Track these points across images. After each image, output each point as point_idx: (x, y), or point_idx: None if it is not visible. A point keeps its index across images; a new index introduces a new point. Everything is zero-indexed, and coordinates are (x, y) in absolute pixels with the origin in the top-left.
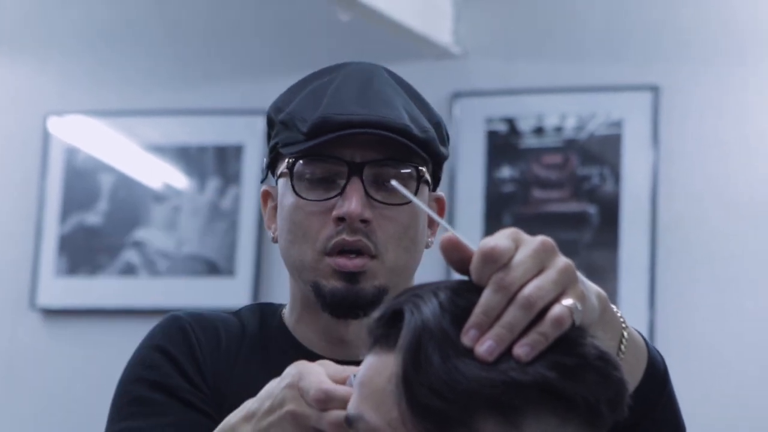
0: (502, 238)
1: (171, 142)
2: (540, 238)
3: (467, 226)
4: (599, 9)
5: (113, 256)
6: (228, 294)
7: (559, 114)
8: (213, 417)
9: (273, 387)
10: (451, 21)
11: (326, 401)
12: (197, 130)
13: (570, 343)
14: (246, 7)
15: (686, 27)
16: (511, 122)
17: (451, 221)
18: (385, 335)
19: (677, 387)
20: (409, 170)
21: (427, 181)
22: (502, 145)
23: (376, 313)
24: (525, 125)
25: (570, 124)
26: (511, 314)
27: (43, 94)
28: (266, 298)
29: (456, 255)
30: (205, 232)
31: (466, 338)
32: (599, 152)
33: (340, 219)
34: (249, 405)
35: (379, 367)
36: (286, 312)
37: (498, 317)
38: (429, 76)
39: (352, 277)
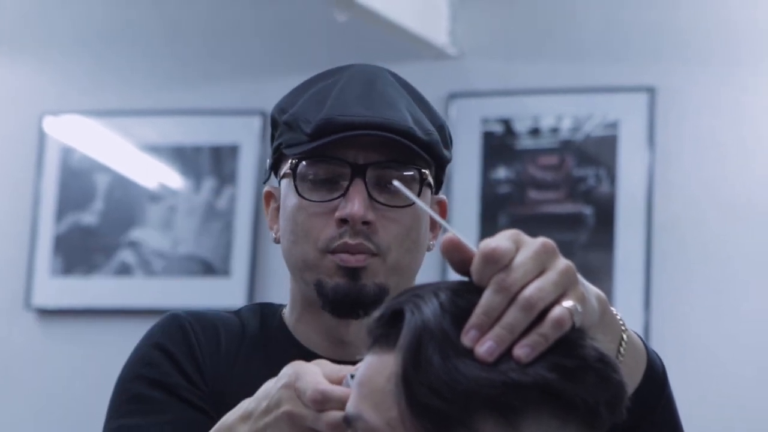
0: (503, 240)
1: (166, 142)
2: (541, 240)
3: (463, 227)
4: (596, 10)
5: (109, 256)
6: (223, 294)
7: (555, 115)
8: (211, 416)
9: (270, 387)
10: (447, 22)
11: (323, 402)
12: (193, 130)
13: (570, 344)
14: (242, 8)
15: (683, 28)
16: (507, 123)
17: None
18: (385, 335)
19: (673, 388)
20: (411, 172)
21: (429, 184)
22: (498, 146)
23: (376, 313)
24: (521, 126)
25: (566, 125)
26: (512, 315)
27: (38, 93)
28: (261, 298)
29: (457, 255)
30: (200, 232)
31: (467, 339)
32: (595, 153)
33: (343, 220)
34: (246, 405)
35: (378, 366)
36: (286, 312)
37: (498, 318)
38: (425, 77)
39: (353, 273)
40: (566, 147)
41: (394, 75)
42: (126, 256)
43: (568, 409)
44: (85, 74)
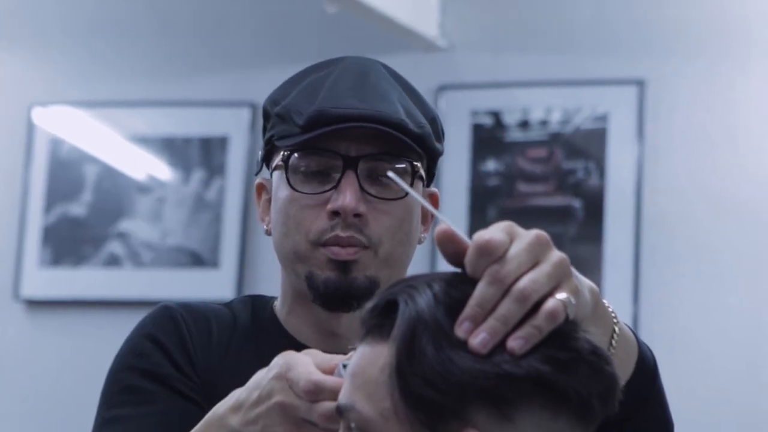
0: (497, 231)
1: (156, 133)
2: (534, 232)
3: (452, 219)
4: (585, 3)
5: (97, 248)
6: (212, 285)
7: (545, 107)
8: (203, 407)
9: (261, 377)
10: (437, 14)
11: (316, 392)
12: (182, 121)
13: (563, 337)
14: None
15: (672, 21)
16: (496, 115)
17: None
18: (378, 325)
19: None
20: (403, 165)
21: (421, 177)
22: (488, 138)
23: (369, 303)
24: (510, 119)
25: (555, 117)
26: (506, 307)
27: (27, 84)
28: (251, 289)
29: (451, 247)
30: (189, 223)
31: (460, 330)
32: (584, 146)
33: (335, 213)
34: (237, 395)
35: (372, 357)
36: (277, 304)
37: (492, 310)
38: (415, 69)
39: (344, 266)
40: (555, 140)
41: (387, 68)
42: (115, 247)
43: (560, 401)
44: (75, 65)
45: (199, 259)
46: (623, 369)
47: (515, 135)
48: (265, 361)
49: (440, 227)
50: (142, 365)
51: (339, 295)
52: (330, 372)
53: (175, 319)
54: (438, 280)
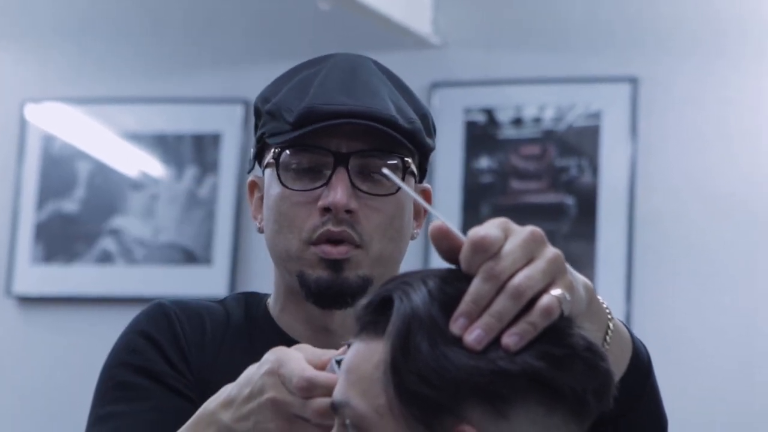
0: (492, 228)
1: (148, 130)
2: (529, 228)
3: (445, 216)
4: (579, 0)
5: (90, 244)
6: (205, 282)
7: (538, 105)
8: (196, 403)
9: (252, 373)
10: (430, 11)
11: (310, 389)
12: (175, 118)
13: (558, 333)
14: None
15: (666, 19)
16: (489, 113)
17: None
18: (373, 322)
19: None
20: (395, 161)
21: (413, 173)
22: (481, 135)
23: (364, 300)
24: (503, 116)
25: (548, 115)
26: (500, 303)
27: (20, 81)
28: (243, 286)
29: (445, 243)
30: (182, 220)
31: (455, 326)
32: (577, 143)
33: (326, 209)
34: (228, 391)
35: (366, 353)
36: (270, 301)
37: (487, 306)
38: (408, 66)
39: (336, 265)
40: (548, 137)
41: (377, 64)
42: (107, 244)
43: (555, 398)
44: (67, 62)
45: (192, 256)
46: (617, 365)
47: (508, 132)
48: (258, 358)
49: (435, 224)
50: (136, 362)
51: (331, 293)
52: (321, 367)
53: (168, 316)
54: (433, 276)
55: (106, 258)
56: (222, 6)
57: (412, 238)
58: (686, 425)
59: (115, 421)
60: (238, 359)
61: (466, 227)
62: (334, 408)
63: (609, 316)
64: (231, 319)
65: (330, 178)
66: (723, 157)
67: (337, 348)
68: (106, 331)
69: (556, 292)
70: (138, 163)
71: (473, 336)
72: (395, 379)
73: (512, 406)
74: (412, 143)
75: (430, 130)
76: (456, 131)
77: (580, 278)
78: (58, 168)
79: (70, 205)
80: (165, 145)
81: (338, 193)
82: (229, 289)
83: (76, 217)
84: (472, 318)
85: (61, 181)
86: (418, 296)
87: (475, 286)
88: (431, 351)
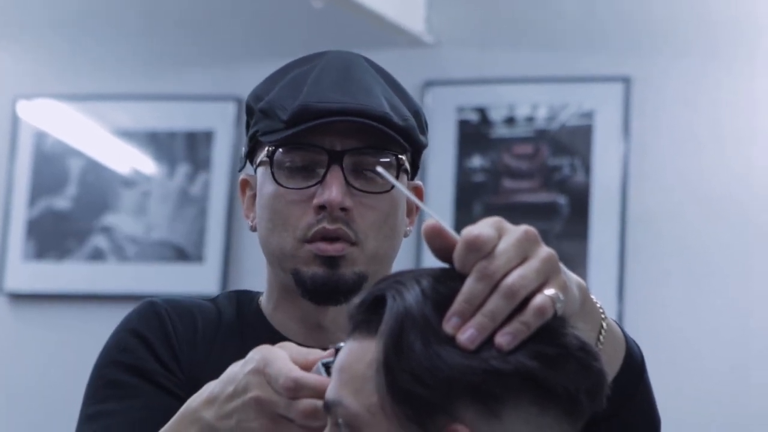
0: (486, 227)
1: (141, 127)
2: (523, 228)
3: (438, 215)
4: (572, 0)
5: (82, 241)
6: (196, 280)
7: (531, 104)
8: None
9: (236, 372)
10: (424, 9)
11: (297, 390)
12: (167, 115)
13: (552, 332)
14: None
15: (659, 19)
16: (482, 112)
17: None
18: (366, 321)
19: None
20: (388, 159)
21: (406, 170)
22: (473, 134)
23: (357, 299)
24: (496, 115)
25: (541, 114)
26: (494, 303)
27: (12, 77)
28: (235, 284)
29: (439, 242)
30: (174, 218)
31: (448, 326)
32: (570, 143)
33: (321, 207)
34: (211, 388)
35: (359, 352)
36: (263, 300)
37: (480, 306)
38: (401, 65)
39: (332, 262)
40: (541, 136)
41: (370, 61)
42: (99, 241)
43: (548, 397)
44: (59, 58)
45: (184, 254)
46: (611, 365)
47: (501, 131)
48: None
49: (429, 222)
50: (127, 360)
51: (327, 290)
52: (306, 367)
53: (159, 314)
54: (426, 275)
55: (97, 255)
56: (215, 4)
57: (405, 235)
58: (679, 425)
59: (106, 420)
60: (230, 357)
61: (458, 226)
62: (327, 407)
63: (602, 316)
64: (223, 318)
65: (324, 176)
66: (715, 157)
67: (329, 344)
68: (98, 329)
69: (549, 291)
70: (130, 160)
71: (466, 335)
72: (388, 378)
73: (505, 406)
74: (406, 140)
75: (423, 127)
76: (449, 130)
77: (574, 278)
78: (50, 165)
79: (62, 202)
80: (157, 142)
81: (333, 191)
82: (221, 287)
83: (67, 214)
84: (466, 317)
85: (53, 178)
86: (411, 295)
87: (469, 286)
88: (424, 350)
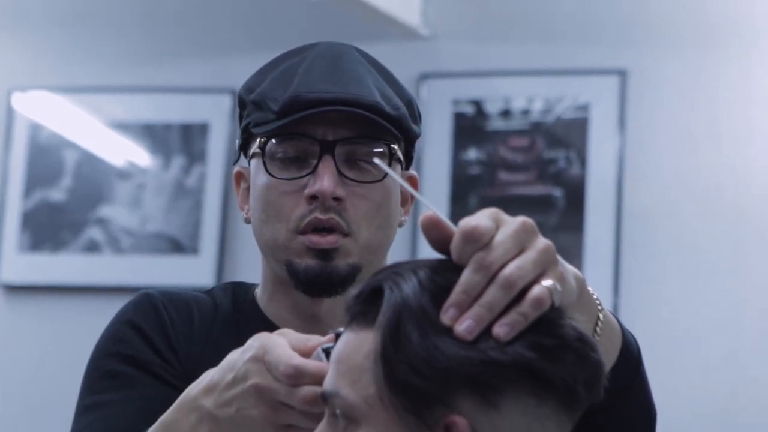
0: (483, 218)
1: (136, 119)
2: (521, 219)
3: (432, 204)
4: None
5: (77, 233)
6: (192, 272)
7: (526, 97)
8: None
9: (235, 359)
10: (419, 2)
11: (297, 377)
12: (163, 107)
13: (549, 323)
14: None
15: (656, 11)
16: (478, 104)
17: (417, 202)
18: (363, 312)
19: None
20: (381, 148)
21: (399, 160)
22: (469, 127)
23: (354, 290)
24: (492, 108)
25: (537, 107)
26: (491, 294)
27: (7, 69)
28: (230, 276)
29: (436, 233)
30: (169, 209)
31: (446, 317)
32: (566, 136)
33: (313, 197)
34: (210, 376)
35: (356, 343)
36: (258, 291)
37: (478, 296)
38: (397, 57)
39: (325, 254)
40: (537, 129)
41: (361, 51)
42: (94, 233)
43: (546, 388)
44: (54, 50)
45: (179, 246)
46: (607, 356)
47: (497, 124)
48: None
49: (426, 214)
50: (123, 351)
51: (320, 282)
52: (306, 354)
53: (156, 306)
54: (423, 266)
55: (92, 247)
56: None
57: (400, 225)
58: (675, 418)
59: (102, 410)
60: (226, 349)
61: (454, 219)
62: (324, 398)
63: (599, 307)
64: (219, 309)
65: (316, 166)
66: (711, 150)
67: (323, 335)
68: (93, 320)
69: (547, 282)
70: (125, 152)
71: (464, 326)
72: (385, 368)
73: (503, 397)
74: (398, 130)
75: (416, 116)
76: (444, 123)
77: (571, 269)
78: (45, 157)
79: (57, 194)
80: (152, 134)
81: (325, 180)
82: (217, 279)
83: (63, 206)
84: (463, 308)
85: (48, 170)
86: (409, 286)
87: (466, 277)
88: (421, 341)
